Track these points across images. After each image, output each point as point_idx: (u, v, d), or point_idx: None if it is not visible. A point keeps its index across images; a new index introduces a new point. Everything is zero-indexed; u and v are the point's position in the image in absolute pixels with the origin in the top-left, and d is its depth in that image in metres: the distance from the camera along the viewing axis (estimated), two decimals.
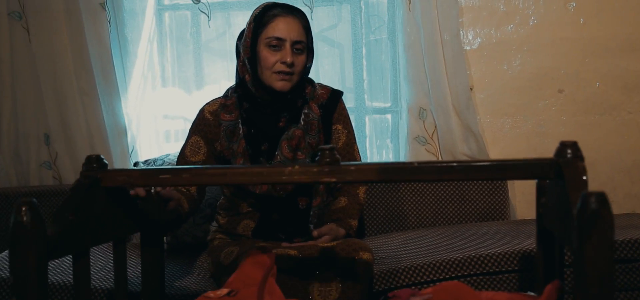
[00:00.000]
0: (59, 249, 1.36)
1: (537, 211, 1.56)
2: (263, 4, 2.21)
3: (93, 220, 1.49)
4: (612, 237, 1.10)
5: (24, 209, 1.27)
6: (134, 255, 2.29)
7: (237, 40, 2.24)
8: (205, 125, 2.22)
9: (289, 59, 2.08)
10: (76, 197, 1.43)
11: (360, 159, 2.36)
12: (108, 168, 1.51)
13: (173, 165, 2.65)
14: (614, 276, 1.11)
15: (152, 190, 1.72)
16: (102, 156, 1.49)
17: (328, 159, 1.37)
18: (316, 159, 1.38)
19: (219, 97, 2.28)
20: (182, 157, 2.23)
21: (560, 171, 1.30)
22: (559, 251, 1.47)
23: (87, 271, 1.51)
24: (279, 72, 2.10)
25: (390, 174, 1.39)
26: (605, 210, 1.09)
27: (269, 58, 2.10)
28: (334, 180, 1.37)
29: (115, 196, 1.57)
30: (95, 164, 1.49)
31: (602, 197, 1.10)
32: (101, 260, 2.37)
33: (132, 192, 1.70)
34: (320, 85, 2.31)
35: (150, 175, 1.51)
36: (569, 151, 1.32)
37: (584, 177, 1.25)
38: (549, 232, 1.50)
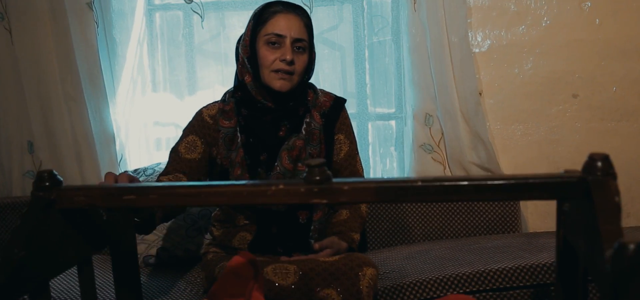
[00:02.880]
0: (11, 295, 1.20)
1: (558, 221, 1.44)
2: (264, 3, 2.23)
3: (50, 248, 1.33)
4: None
5: None
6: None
7: (237, 43, 2.25)
8: (204, 127, 2.23)
9: (288, 57, 2.09)
10: (26, 226, 1.27)
11: (363, 171, 2.36)
12: (63, 186, 1.33)
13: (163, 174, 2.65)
14: None
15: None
16: (54, 172, 1.32)
17: (318, 177, 1.23)
18: (303, 176, 1.25)
19: (217, 101, 2.28)
20: (176, 153, 2.20)
21: (588, 190, 1.17)
22: (582, 275, 1.37)
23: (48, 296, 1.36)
24: (278, 71, 2.11)
25: (390, 194, 1.24)
26: None
27: (268, 56, 2.11)
28: (324, 201, 1.23)
29: (74, 217, 1.41)
30: (48, 182, 1.31)
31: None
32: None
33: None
34: (323, 91, 2.32)
35: (113, 194, 1.33)
36: (599, 164, 1.19)
37: (617, 199, 1.12)
38: (572, 247, 1.40)
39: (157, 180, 2.13)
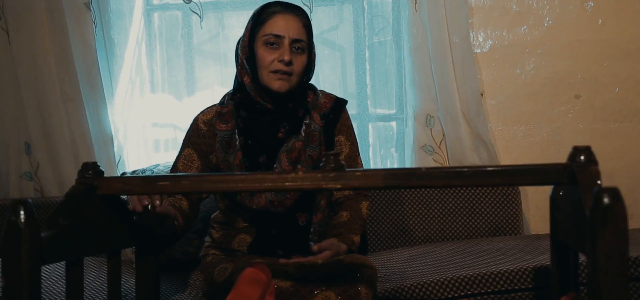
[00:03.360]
0: (53, 254, 1.41)
1: (551, 222, 1.59)
2: (263, 3, 2.23)
3: (87, 228, 1.53)
4: (626, 232, 1.15)
5: (19, 208, 1.31)
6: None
7: (237, 44, 2.26)
8: (199, 136, 2.23)
9: (286, 57, 2.09)
10: (70, 203, 1.48)
11: None
12: (105, 176, 1.56)
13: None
14: (628, 270, 1.17)
15: (149, 207, 1.75)
16: (98, 163, 1.56)
17: (333, 165, 1.42)
18: (321, 165, 1.43)
19: (214, 105, 2.29)
20: (175, 171, 2.24)
21: (573, 176, 1.35)
22: (573, 263, 1.51)
23: (81, 281, 1.54)
24: (276, 72, 2.11)
25: (398, 179, 1.44)
26: (619, 205, 1.15)
27: (266, 57, 2.12)
28: (338, 186, 1.43)
29: (110, 205, 1.62)
30: (91, 171, 1.54)
31: (615, 192, 1.15)
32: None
33: (130, 206, 1.73)
34: (323, 93, 2.32)
35: (149, 182, 1.55)
36: (582, 156, 1.38)
37: (598, 181, 1.31)
38: (564, 244, 1.53)
39: None
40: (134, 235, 1.76)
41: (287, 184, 1.45)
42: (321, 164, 1.42)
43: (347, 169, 1.43)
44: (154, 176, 1.56)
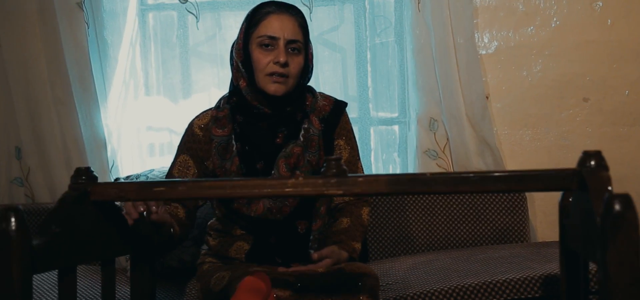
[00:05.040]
0: (44, 263, 1.40)
1: (560, 230, 1.59)
2: (257, 3, 2.23)
3: (81, 235, 1.53)
4: (638, 240, 1.15)
5: (9, 215, 1.30)
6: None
7: (231, 47, 2.26)
8: (195, 142, 2.23)
9: (282, 59, 2.09)
10: (63, 210, 1.47)
11: None
12: (99, 182, 1.56)
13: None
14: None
15: (145, 214, 1.76)
16: (92, 168, 1.54)
17: (334, 170, 1.41)
18: (322, 170, 1.42)
19: (210, 109, 2.28)
20: (170, 177, 2.23)
21: (583, 182, 1.34)
22: (583, 271, 1.51)
23: (74, 290, 1.54)
24: (272, 74, 2.11)
25: (401, 185, 1.43)
26: (630, 213, 1.14)
27: (262, 59, 2.12)
28: (340, 192, 1.40)
29: (105, 212, 1.61)
30: (84, 176, 1.53)
31: (626, 199, 1.15)
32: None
33: (124, 212, 1.73)
34: (322, 95, 2.32)
35: (144, 188, 1.54)
36: (592, 161, 1.37)
37: (609, 187, 1.29)
38: (573, 252, 1.54)
39: None
40: (129, 243, 1.75)
41: (287, 190, 1.44)
42: (322, 169, 1.41)
43: (349, 175, 1.42)
44: (150, 182, 1.55)
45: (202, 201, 2.28)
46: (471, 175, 1.42)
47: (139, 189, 1.54)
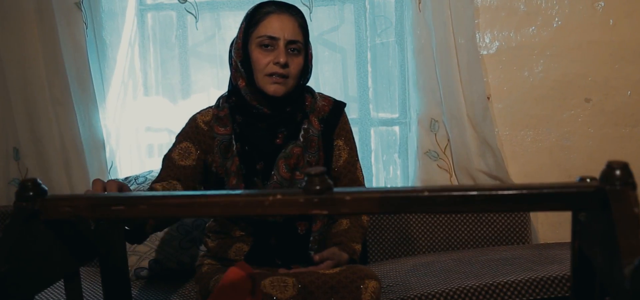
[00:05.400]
0: None
1: (573, 233, 1.44)
2: (257, 3, 2.23)
3: (35, 261, 1.32)
4: None
5: None
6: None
7: (230, 46, 2.26)
8: (199, 134, 2.23)
9: (282, 59, 2.09)
10: (9, 240, 1.26)
11: (363, 179, 2.36)
12: (48, 196, 1.32)
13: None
14: None
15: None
16: (39, 180, 1.30)
17: (318, 187, 1.22)
18: (301, 185, 1.24)
19: (211, 107, 2.29)
20: (169, 160, 2.20)
21: (606, 201, 1.16)
22: (599, 290, 1.38)
23: None
24: (272, 75, 2.11)
25: (394, 205, 1.25)
26: None
27: (261, 59, 2.12)
28: (324, 213, 1.24)
29: (60, 229, 1.40)
30: (31, 192, 1.28)
31: None
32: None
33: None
34: (322, 95, 2.32)
35: (101, 205, 1.32)
36: (617, 173, 1.17)
37: (636, 210, 1.11)
38: (587, 259, 1.41)
39: (150, 188, 2.14)
40: (94, 248, 1.53)
41: (260, 210, 1.26)
42: (303, 185, 1.22)
43: (335, 190, 1.24)
44: (107, 197, 1.33)
45: (199, 186, 2.23)
46: (475, 193, 1.23)
47: (93, 206, 1.31)
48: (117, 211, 1.29)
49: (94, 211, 1.31)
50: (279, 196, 1.24)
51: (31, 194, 1.28)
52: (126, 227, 1.83)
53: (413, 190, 1.23)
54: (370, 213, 1.28)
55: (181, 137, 2.25)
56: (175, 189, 2.12)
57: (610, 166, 1.18)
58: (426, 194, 1.23)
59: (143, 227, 1.95)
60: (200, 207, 1.30)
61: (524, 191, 1.22)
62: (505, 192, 1.23)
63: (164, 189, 2.08)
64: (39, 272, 1.33)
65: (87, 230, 1.49)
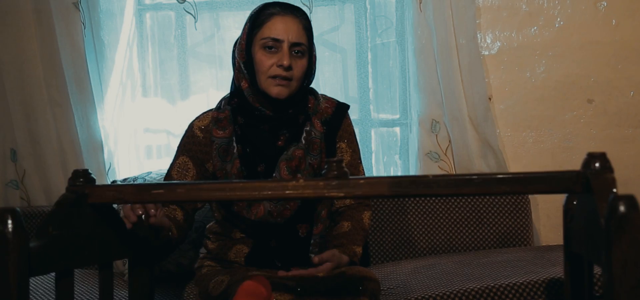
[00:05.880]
0: (42, 266, 1.41)
1: (565, 233, 1.59)
2: (261, 4, 2.23)
3: (78, 239, 1.54)
4: None
5: (6, 217, 1.31)
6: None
7: (234, 47, 2.26)
8: (195, 144, 2.23)
9: (286, 62, 2.09)
10: (60, 212, 1.49)
11: None
12: (95, 184, 1.57)
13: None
14: None
15: (143, 217, 1.76)
16: (89, 170, 1.57)
17: (335, 172, 1.42)
18: (322, 172, 1.44)
19: (211, 110, 2.29)
20: (169, 179, 2.24)
21: (587, 184, 1.36)
22: (588, 274, 1.51)
23: (71, 293, 1.55)
24: (275, 77, 2.11)
25: (403, 188, 1.44)
26: (635, 214, 1.16)
27: (265, 61, 2.11)
28: (341, 195, 1.43)
29: (103, 214, 1.63)
30: (82, 178, 1.54)
31: (631, 200, 1.17)
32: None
33: (122, 215, 1.73)
34: (324, 97, 2.32)
35: (143, 190, 1.56)
36: (596, 163, 1.39)
37: (614, 189, 1.31)
38: (578, 256, 1.54)
39: None
40: (127, 247, 1.76)
41: (287, 192, 1.45)
42: (323, 172, 1.42)
43: (350, 177, 1.43)
44: (148, 184, 1.58)
45: (201, 204, 2.28)
46: (474, 177, 1.43)
47: (137, 191, 1.55)
48: (157, 195, 1.53)
49: (137, 195, 1.55)
50: (301, 181, 1.45)
51: (81, 180, 1.54)
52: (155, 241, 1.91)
53: (419, 176, 1.55)
54: (381, 196, 1.58)
55: (179, 150, 2.27)
56: (175, 213, 2.15)
57: (591, 156, 1.42)
58: (431, 178, 1.45)
59: (169, 242, 2.03)
60: (231, 191, 1.51)
61: (518, 175, 1.46)
62: (501, 176, 1.47)
63: (165, 214, 2.09)
64: (80, 251, 1.57)
65: (124, 232, 1.73)
